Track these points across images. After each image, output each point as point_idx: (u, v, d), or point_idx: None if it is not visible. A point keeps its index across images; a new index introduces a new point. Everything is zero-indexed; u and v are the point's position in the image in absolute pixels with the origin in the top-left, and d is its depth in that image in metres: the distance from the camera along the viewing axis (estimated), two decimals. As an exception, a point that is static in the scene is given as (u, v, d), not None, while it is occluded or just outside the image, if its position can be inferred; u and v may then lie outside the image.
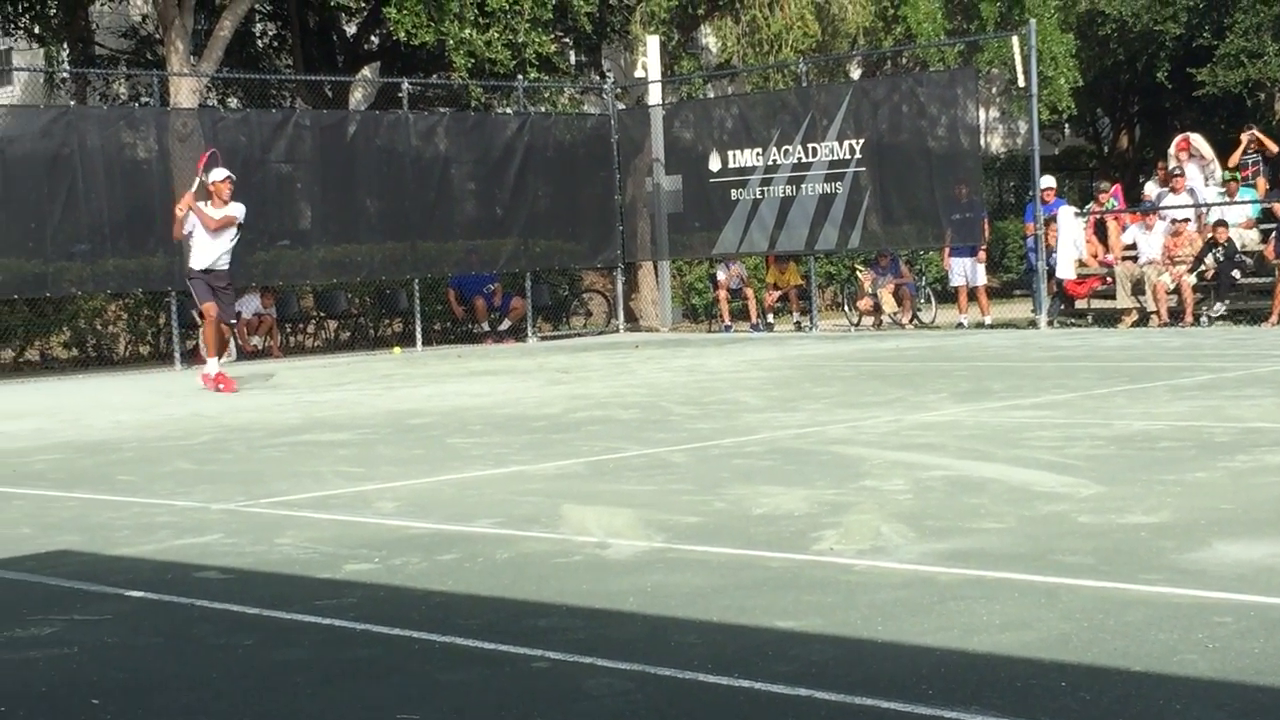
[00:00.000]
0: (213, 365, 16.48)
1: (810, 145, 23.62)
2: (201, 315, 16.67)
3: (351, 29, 33.73)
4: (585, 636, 5.00)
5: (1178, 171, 22.43)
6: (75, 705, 4.51)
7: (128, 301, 23.23)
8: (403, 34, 25.05)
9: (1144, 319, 21.05)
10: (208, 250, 16.25)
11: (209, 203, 16.34)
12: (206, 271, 16.24)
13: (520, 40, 25.35)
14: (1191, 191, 22.44)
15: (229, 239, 16.35)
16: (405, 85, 24.46)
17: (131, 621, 5.60)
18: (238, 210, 16.40)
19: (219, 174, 16.47)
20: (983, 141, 34.89)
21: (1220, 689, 4.16)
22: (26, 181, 20.33)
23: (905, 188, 23.16)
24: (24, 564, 6.80)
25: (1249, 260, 20.82)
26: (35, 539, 7.44)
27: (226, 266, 16.42)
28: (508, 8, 24.99)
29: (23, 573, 6.61)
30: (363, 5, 30.39)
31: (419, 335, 23.82)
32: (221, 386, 16.21)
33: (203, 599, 5.87)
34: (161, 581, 6.24)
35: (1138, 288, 21.17)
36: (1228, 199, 22.22)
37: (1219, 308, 20.37)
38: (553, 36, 26.86)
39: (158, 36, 30.23)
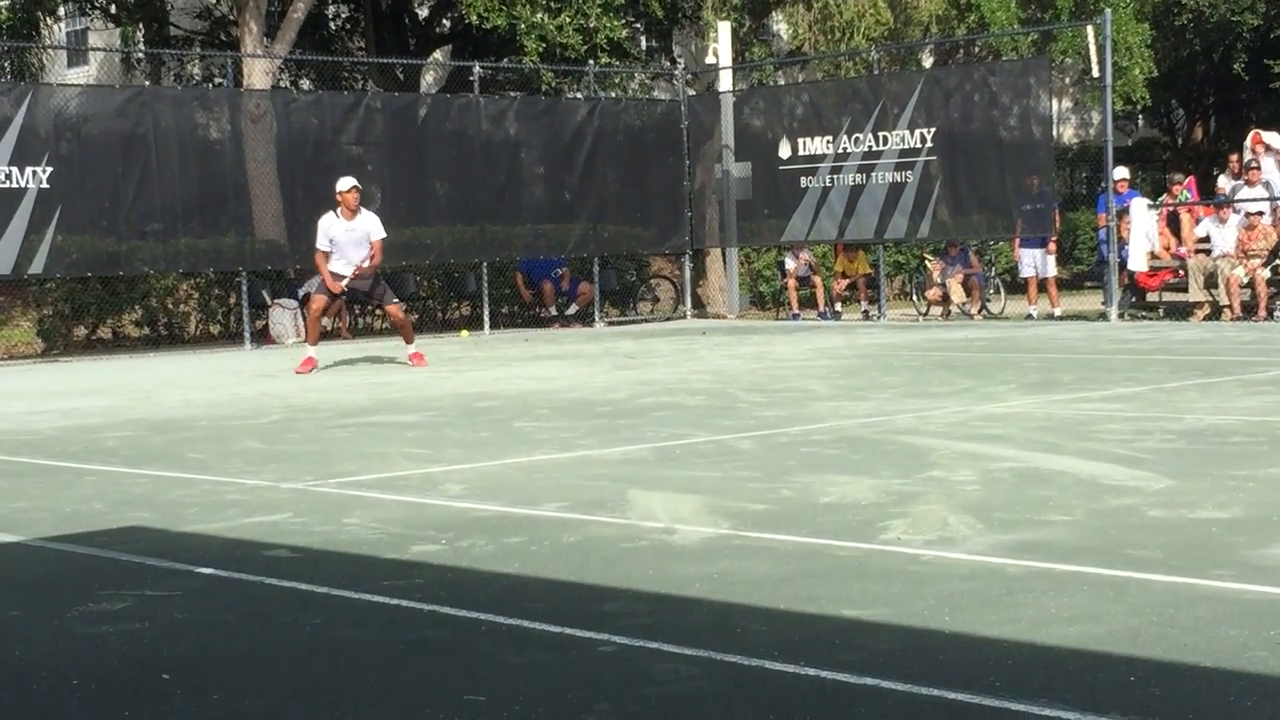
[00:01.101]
0: (308, 351, 16.72)
1: (881, 134, 23.52)
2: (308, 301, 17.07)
3: (424, 12, 33.83)
4: (651, 622, 5.01)
5: (1254, 165, 22.19)
6: (146, 680, 4.56)
7: (199, 281, 23.41)
8: (474, 17, 25.12)
9: (1216, 313, 20.85)
10: (341, 263, 16.46)
11: (338, 211, 16.37)
12: (338, 278, 16.49)
13: (591, 25, 25.37)
14: (1267, 185, 22.20)
15: (360, 249, 16.39)
16: (476, 69, 24.51)
17: (202, 598, 5.65)
18: (376, 229, 16.45)
19: (345, 183, 16.49)
20: (1055, 132, 34.62)
21: (1292, 687, 4.12)
22: (101, 161, 20.52)
23: (976, 177, 23.03)
24: (96, 539, 6.87)
25: (1324, 255, 20.58)
26: (107, 515, 7.52)
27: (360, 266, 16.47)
28: (579, -8, 25.00)
29: (95, 548, 6.68)
30: (435, -11, 30.47)
31: (486, 319, 23.89)
32: (306, 369, 16.37)
33: (272, 577, 5.91)
34: (231, 559, 6.29)
35: (1210, 281, 20.97)
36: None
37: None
38: (624, 22, 26.87)
39: (231, 18, 30.43)
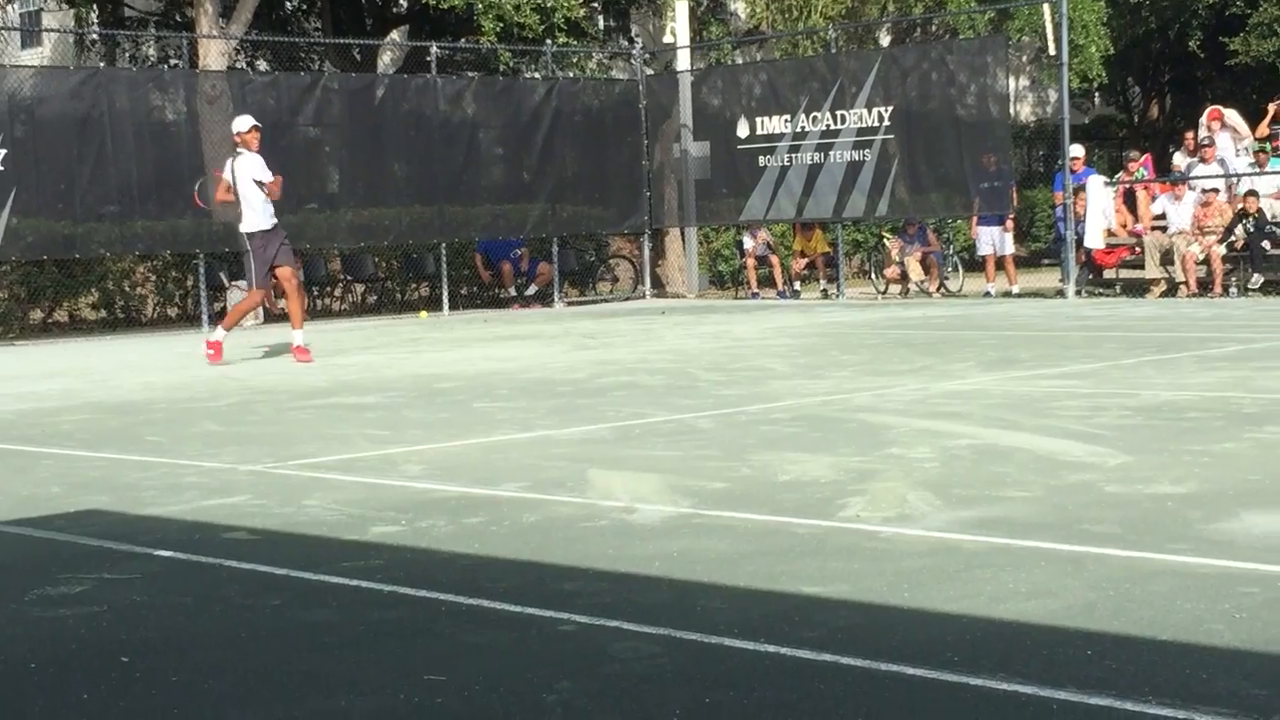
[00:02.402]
0: (219, 333, 15.58)
1: (839, 112, 23.54)
2: (253, 287, 15.81)
3: (381, -8, 33.69)
4: (611, 600, 5.02)
5: (1208, 142, 22.31)
6: (104, 663, 4.55)
7: (156, 263, 23.30)
8: (431, -2, 25.02)
9: (1172, 289, 20.97)
10: (262, 208, 15.41)
11: (237, 155, 15.52)
12: (268, 232, 15.45)
13: (549, 5, 25.34)
14: (1222, 162, 22.32)
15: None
16: (434, 49, 24.46)
17: (160, 581, 5.63)
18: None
19: (245, 122, 15.60)
20: (1012, 110, 34.71)
21: (1246, 659, 4.15)
22: (56, 143, 20.39)
23: (934, 156, 23.09)
24: (54, 523, 6.84)
25: (1279, 231, 20.70)
26: (64, 498, 7.48)
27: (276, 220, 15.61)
28: (537, -28, 24.95)
29: (52, 531, 6.65)
30: (392, -31, 30.36)
31: (445, 299, 23.87)
32: (210, 354, 15.21)
33: (231, 559, 5.89)
34: (190, 541, 6.27)
35: (1166, 258, 21.09)
36: (1258, 170, 22.10)
37: (1257, 279, 20.26)
38: (582, 1, 26.81)
39: (187, -1, 30.25)
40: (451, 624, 4.84)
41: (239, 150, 15.54)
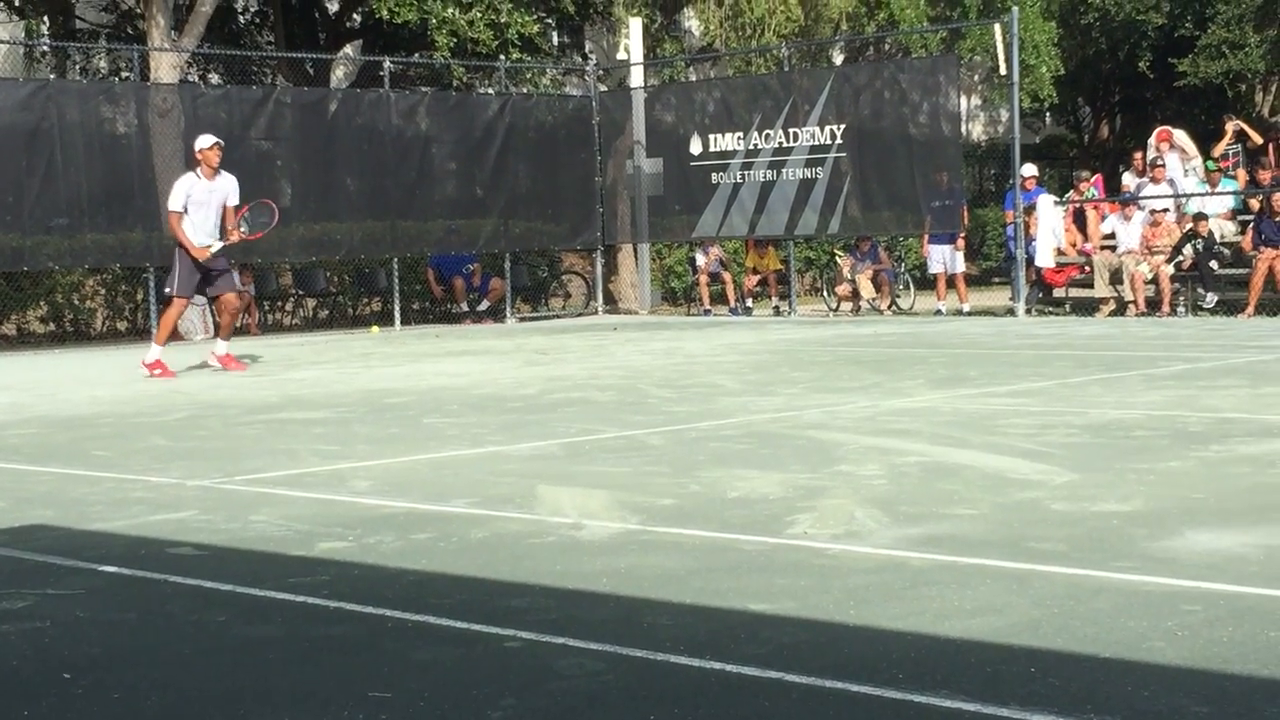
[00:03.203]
0: (155, 352, 15.58)
1: (791, 130, 23.61)
2: (174, 293, 15.77)
3: (334, 6, 33.61)
4: (558, 617, 5.01)
5: (1159, 163, 22.47)
6: (46, 679, 4.51)
7: (105, 277, 23.17)
8: (385, 12, 25.01)
9: (1121, 308, 21.11)
10: (213, 228, 15.48)
11: (199, 170, 15.55)
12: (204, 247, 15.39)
13: (503, 20, 25.32)
14: (1171, 182, 22.49)
15: (217, 214, 15.52)
16: (387, 64, 24.42)
17: (104, 596, 5.60)
18: (234, 192, 15.64)
19: (207, 140, 15.62)
20: (964, 129, 34.91)
21: (1188, 676, 4.18)
22: (4, 155, 20.23)
23: (886, 174, 23.17)
24: (-3, 538, 6.79)
25: (1227, 251, 20.87)
26: (8, 513, 7.42)
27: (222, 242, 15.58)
28: (491, -13, 24.94)
29: (-4, 546, 6.60)
30: (345, -17, 30.31)
31: (397, 315, 23.81)
32: (158, 373, 15.28)
33: (176, 575, 5.86)
34: (135, 557, 6.23)
35: (1115, 277, 21.23)
36: (1208, 189, 22.27)
37: (1210, 298, 20.40)
38: (536, 17, 26.83)
39: (139, 11, 30.06)
40: (397, 640, 4.82)
41: (204, 169, 15.53)
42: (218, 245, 15.51)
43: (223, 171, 15.72)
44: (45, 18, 30.80)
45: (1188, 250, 20.60)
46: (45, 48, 31.14)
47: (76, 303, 23.20)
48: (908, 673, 4.26)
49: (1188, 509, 6.55)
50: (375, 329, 23.40)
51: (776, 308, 24.84)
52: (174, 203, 15.58)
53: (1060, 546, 5.85)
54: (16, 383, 15.49)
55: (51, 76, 28.76)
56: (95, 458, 9.42)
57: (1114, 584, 5.24)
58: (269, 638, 4.92)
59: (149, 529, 6.86)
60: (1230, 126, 23.69)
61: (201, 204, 15.49)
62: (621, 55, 26.97)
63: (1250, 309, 19.75)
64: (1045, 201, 22.21)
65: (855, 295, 23.94)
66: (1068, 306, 22.29)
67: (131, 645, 4.89)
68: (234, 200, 15.68)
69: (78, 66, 32.32)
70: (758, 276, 25.20)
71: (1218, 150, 23.49)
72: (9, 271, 21.22)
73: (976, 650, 4.47)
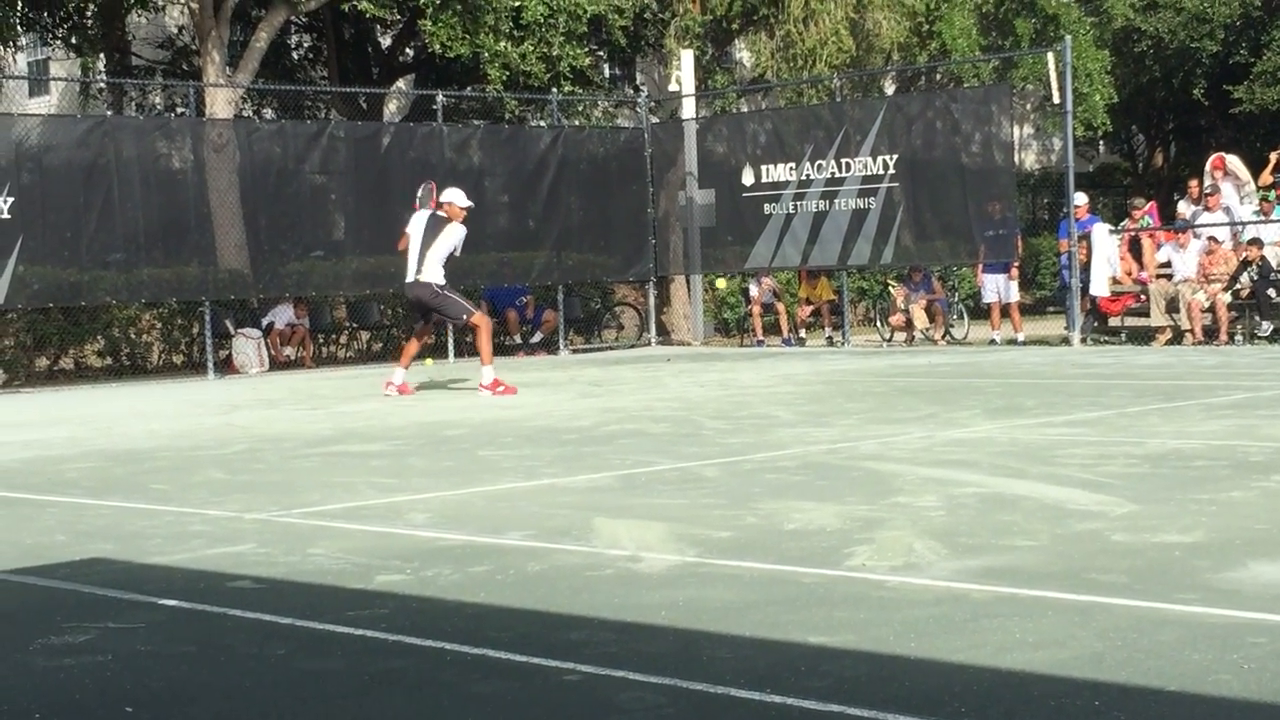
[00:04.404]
0: (487, 374, 16.44)
1: (844, 160, 23.60)
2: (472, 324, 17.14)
3: (387, 41, 33.85)
4: (616, 650, 5.00)
5: (1212, 190, 22.34)
6: (109, 713, 4.53)
7: (162, 311, 23.33)
8: (438, 46, 25.13)
9: (1178, 337, 20.96)
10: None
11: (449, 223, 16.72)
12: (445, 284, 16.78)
13: (555, 54, 25.42)
14: (1227, 210, 22.35)
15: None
16: (440, 97, 24.54)
17: (165, 630, 5.62)
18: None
19: (464, 199, 17.00)
20: (1017, 158, 34.83)
21: (1254, 710, 4.13)
22: (63, 190, 20.44)
23: (939, 203, 23.12)
24: (58, 571, 6.83)
25: (1284, 278, 20.71)
26: (69, 546, 7.47)
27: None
28: (543, 21, 25.07)
29: (57, 580, 6.64)
30: (398, 18, 30.49)
31: (451, 347, 23.87)
32: (502, 389, 16.19)
33: (236, 608, 5.88)
34: (194, 590, 6.25)
35: (1172, 306, 21.09)
36: (1262, 217, 22.12)
37: (1266, 326, 20.26)
38: (587, 50, 26.93)
39: (194, 48, 30.40)
40: (457, 674, 4.82)
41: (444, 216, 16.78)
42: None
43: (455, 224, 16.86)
44: (102, 55, 31.11)
45: (1244, 278, 20.45)
46: (102, 84, 31.46)
47: (133, 337, 23.36)
48: (970, 706, 4.23)
49: (1250, 540, 6.48)
50: (429, 362, 23.45)
51: (830, 338, 24.80)
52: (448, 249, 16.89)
53: (1122, 578, 5.80)
54: (74, 416, 15.60)
55: (108, 113, 29.01)
56: (154, 491, 9.46)
57: (1178, 616, 5.19)
58: (329, 671, 4.92)
59: (208, 562, 6.88)
60: (1275, 155, 23.51)
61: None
62: (673, 87, 27.02)
63: (1309, 337, 19.57)
64: (1100, 230, 22.11)
65: (909, 325, 23.87)
66: (1123, 335, 22.15)
67: (192, 679, 4.90)
68: (458, 251, 17.07)
69: (134, 103, 32.62)
70: (811, 307, 25.18)
71: (1265, 179, 23.32)
72: (67, 306, 21.39)
73: (1040, 683, 4.44)
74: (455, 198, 16.84)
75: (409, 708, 4.45)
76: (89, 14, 28.82)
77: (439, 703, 4.49)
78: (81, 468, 10.93)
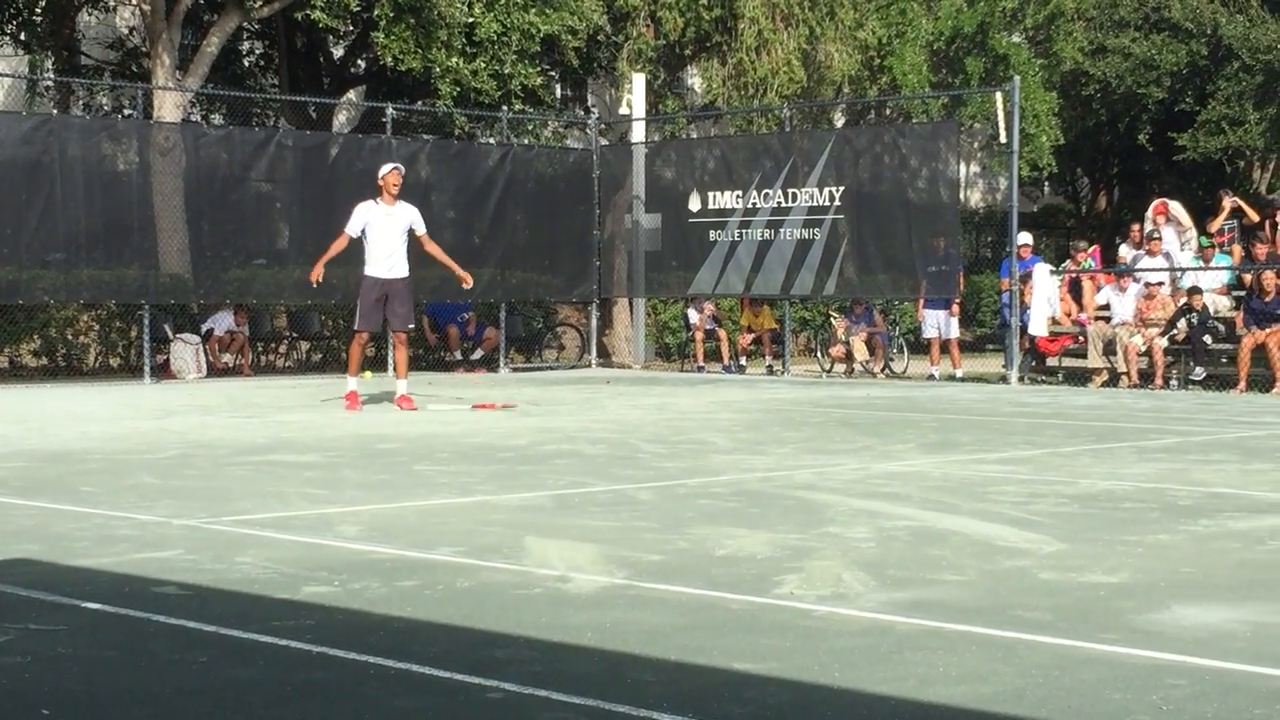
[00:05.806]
0: (351, 383, 16.36)
1: (790, 190, 23.67)
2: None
3: (339, 52, 33.76)
4: (541, 670, 5.00)
5: (1155, 235, 22.55)
6: (25, 715, 4.48)
7: (100, 313, 23.15)
8: (390, 59, 25.09)
9: (1114, 379, 21.12)
10: (379, 255, 16.04)
11: (379, 198, 16.12)
12: (378, 280, 16.05)
13: (506, 71, 25.42)
14: (1167, 255, 22.56)
15: (399, 242, 16.10)
16: (389, 110, 24.50)
17: (87, 633, 5.57)
18: (419, 221, 16.37)
19: (386, 166, 16.27)
20: (962, 195, 35.07)
21: (1172, 751, 4.17)
22: (4, 188, 20.24)
23: (883, 237, 23.21)
24: (-19, 571, 6.76)
25: (1221, 326, 20.91)
26: (-6, 546, 7.40)
27: (404, 273, 16.19)
28: (496, 38, 25.06)
29: (-20, 579, 6.57)
30: (351, 29, 30.44)
31: (390, 361, 23.75)
32: (347, 405, 15.97)
33: (160, 614, 5.84)
34: (119, 594, 6.21)
35: (1109, 348, 21.26)
36: (1203, 264, 22.34)
37: (1199, 371, 20.45)
38: (539, 69, 26.94)
39: (144, 49, 30.23)
40: (380, 688, 4.80)
41: (384, 196, 16.09)
42: (384, 277, 16.06)
43: (401, 200, 16.23)
44: (50, 53, 30.89)
45: (1182, 324, 20.64)
46: (49, 83, 31.23)
47: (70, 337, 23.18)
48: (891, 738, 4.24)
49: (1175, 583, 6.54)
50: (368, 374, 23.34)
51: (770, 367, 24.86)
52: (350, 227, 16.18)
53: (1047, 616, 5.84)
54: (7, 415, 15.46)
55: (54, 112, 28.83)
56: (83, 493, 9.39)
57: (1100, 655, 5.22)
58: (251, 680, 4.90)
59: (134, 567, 6.83)
60: (1228, 202, 23.74)
61: (382, 232, 15.97)
62: (624, 110, 27.09)
63: (1241, 385, 19.75)
64: (1041, 270, 22.28)
65: (849, 357, 23.95)
66: (1061, 376, 22.30)
67: (112, 684, 4.87)
68: (420, 228, 16.30)
69: (81, 102, 32.40)
70: (752, 335, 25.24)
71: (1214, 226, 23.55)
72: (3, 304, 21.20)
73: (960, 717, 4.46)
74: (382, 170, 16.34)
75: (330, 720, 4.43)
76: (39, 10, 28.62)
77: (360, 716, 4.47)
78: (11, 467, 10.83)
